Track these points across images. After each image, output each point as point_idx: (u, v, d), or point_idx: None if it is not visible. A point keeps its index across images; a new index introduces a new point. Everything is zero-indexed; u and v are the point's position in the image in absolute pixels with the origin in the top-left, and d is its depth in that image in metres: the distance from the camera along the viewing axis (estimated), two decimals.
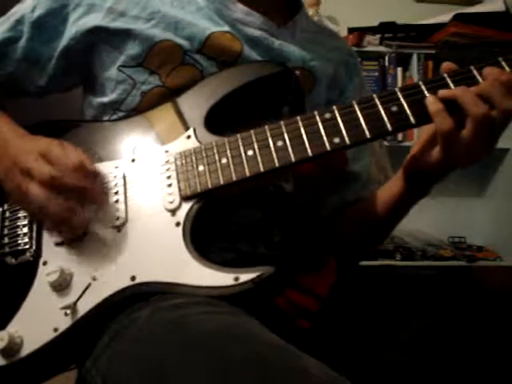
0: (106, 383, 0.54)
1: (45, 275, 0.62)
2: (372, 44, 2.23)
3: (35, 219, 0.66)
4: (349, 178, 0.86)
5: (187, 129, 0.69)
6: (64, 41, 0.77)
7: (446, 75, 0.61)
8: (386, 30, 2.26)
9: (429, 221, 2.34)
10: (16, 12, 0.80)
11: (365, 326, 0.66)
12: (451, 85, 0.60)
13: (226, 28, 0.76)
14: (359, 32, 2.21)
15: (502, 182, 2.36)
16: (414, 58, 2.24)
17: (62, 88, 0.84)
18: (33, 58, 0.78)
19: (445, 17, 2.21)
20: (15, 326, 0.61)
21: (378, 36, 2.25)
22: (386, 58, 2.24)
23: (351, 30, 2.25)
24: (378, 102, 0.61)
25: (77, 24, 0.76)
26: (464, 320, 0.60)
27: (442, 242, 2.34)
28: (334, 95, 0.84)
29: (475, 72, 0.60)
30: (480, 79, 0.60)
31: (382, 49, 2.25)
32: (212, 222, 0.67)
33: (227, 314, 0.53)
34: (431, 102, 0.59)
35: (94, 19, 0.75)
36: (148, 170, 0.67)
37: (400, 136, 2.22)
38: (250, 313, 0.55)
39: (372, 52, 2.24)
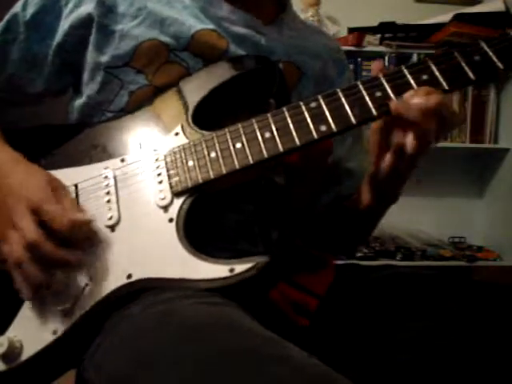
0: (99, 377, 0.55)
1: None
2: (372, 44, 2.23)
3: (7, 265, 0.62)
4: (343, 176, 0.86)
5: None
6: (58, 37, 0.76)
7: (430, 63, 0.62)
8: (386, 29, 2.26)
9: (429, 221, 2.34)
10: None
11: (364, 325, 0.66)
12: (435, 71, 0.62)
13: (212, 26, 0.76)
14: (359, 32, 2.21)
15: (502, 182, 2.36)
16: (414, 58, 2.24)
17: (59, 88, 0.82)
18: (30, 58, 0.78)
19: (445, 17, 2.21)
20: (14, 331, 0.61)
21: (378, 36, 2.25)
22: (386, 58, 2.24)
23: (351, 30, 2.25)
24: (362, 88, 0.62)
25: (69, 19, 0.76)
26: (464, 320, 0.60)
27: (442, 241, 2.34)
28: (324, 90, 0.84)
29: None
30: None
31: (382, 49, 2.24)
32: (206, 219, 0.67)
33: (215, 305, 0.54)
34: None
35: (86, 9, 0.74)
36: (138, 169, 0.67)
37: None
38: (247, 309, 0.55)
39: (372, 52, 2.24)
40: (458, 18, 2.16)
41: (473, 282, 0.67)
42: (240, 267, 0.57)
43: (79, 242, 0.62)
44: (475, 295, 0.63)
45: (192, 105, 0.70)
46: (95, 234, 0.64)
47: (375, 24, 2.26)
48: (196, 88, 0.72)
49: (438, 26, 2.21)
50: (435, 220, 2.36)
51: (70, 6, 0.76)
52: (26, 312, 0.63)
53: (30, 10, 0.77)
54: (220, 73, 0.72)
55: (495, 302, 0.61)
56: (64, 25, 0.76)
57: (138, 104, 0.73)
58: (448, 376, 0.57)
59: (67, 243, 0.61)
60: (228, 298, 0.56)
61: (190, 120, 0.69)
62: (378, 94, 0.61)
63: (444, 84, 0.62)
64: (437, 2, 2.44)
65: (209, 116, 0.70)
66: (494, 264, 2.23)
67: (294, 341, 0.49)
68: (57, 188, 0.64)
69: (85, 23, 0.75)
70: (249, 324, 0.51)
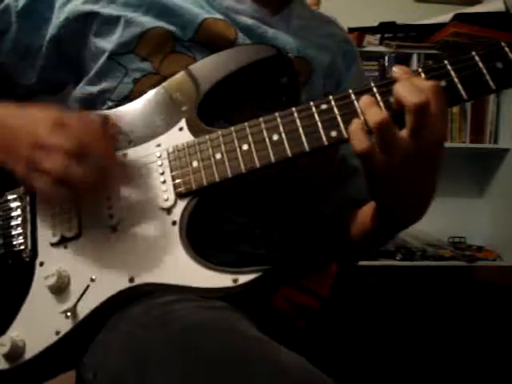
0: (96, 378, 0.55)
1: (43, 279, 0.62)
2: (372, 44, 2.23)
3: (52, 197, 0.60)
4: (351, 173, 0.83)
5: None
6: (53, 29, 0.74)
7: (446, 62, 0.57)
8: (386, 29, 2.26)
9: (429, 221, 2.32)
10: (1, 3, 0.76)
11: (363, 327, 0.65)
12: (452, 72, 0.57)
13: (219, 16, 0.74)
14: (359, 32, 2.21)
15: (502, 182, 2.36)
16: (414, 58, 2.24)
17: (53, 83, 0.80)
18: (23, 49, 0.76)
19: (445, 17, 2.21)
20: (16, 330, 0.61)
21: (378, 36, 2.25)
22: (386, 58, 2.24)
23: (351, 30, 2.24)
24: (376, 92, 0.58)
25: (64, 10, 0.74)
26: (464, 320, 0.60)
27: (442, 241, 2.34)
28: (331, 85, 0.82)
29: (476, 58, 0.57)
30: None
31: (382, 49, 2.25)
32: (209, 221, 0.66)
33: (214, 309, 0.54)
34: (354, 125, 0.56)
35: (83, 4, 0.73)
36: (140, 166, 0.65)
37: None
38: (249, 312, 0.55)
39: (372, 52, 2.24)
40: (458, 17, 2.16)
41: (473, 283, 0.66)
42: (244, 278, 0.56)
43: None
44: (475, 295, 0.63)
45: (198, 97, 0.67)
46: (97, 233, 0.63)
47: (375, 24, 2.26)
48: (202, 78, 0.68)
49: (438, 26, 2.21)
50: (435, 220, 2.35)
51: None
52: (28, 311, 0.62)
53: (22, 0, 0.75)
54: (228, 63, 0.69)
55: (495, 302, 0.61)
56: (59, 16, 0.74)
57: (143, 92, 0.70)
58: (448, 376, 0.57)
59: None
60: (230, 303, 0.56)
61: (195, 113, 0.66)
62: (392, 99, 0.57)
63: (464, 94, 0.57)
64: (437, 1, 2.44)
65: (214, 108, 0.68)
66: (493, 264, 2.23)
67: (294, 343, 0.49)
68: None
69: (82, 17, 0.73)
70: (242, 328, 0.50)
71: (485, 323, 0.59)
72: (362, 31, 2.22)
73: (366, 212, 0.72)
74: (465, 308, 0.61)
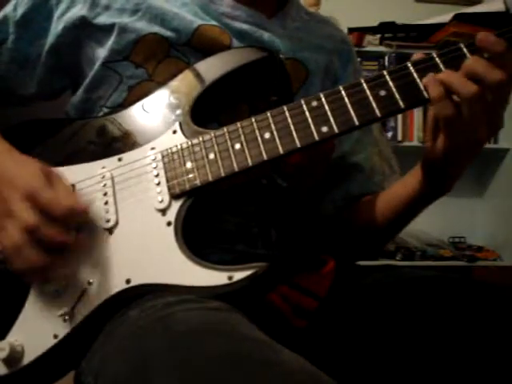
0: (97, 381, 0.54)
1: (41, 283, 0.62)
2: (372, 44, 2.24)
3: (5, 255, 0.61)
4: (351, 171, 0.84)
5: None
6: (51, 38, 0.75)
7: (434, 54, 0.59)
8: (386, 29, 2.26)
9: (429, 221, 2.32)
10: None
11: (362, 327, 0.65)
12: (440, 65, 0.58)
13: (214, 22, 0.74)
14: (359, 32, 2.21)
15: (502, 182, 2.36)
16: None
17: (52, 91, 0.82)
18: (21, 59, 0.77)
19: (445, 17, 2.21)
20: (15, 335, 0.61)
21: (378, 36, 2.25)
22: (386, 58, 2.24)
23: (351, 30, 2.25)
24: (365, 87, 0.59)
25: (62, 20, 0.75)
26: (464, 321, 0.60)
27: (442, 241, 2.34)
28: (328, 85, 0.82)
29: (465, 50, 0.58)
30: (468, 55, 0.58)
31: (382, 49, 2.25)
32: (206, 221, 0.66)
33: (214, 310, 0.53)
34: (431, 84, 0.57)
35: (79, 11, 0.74)
36: (135, 169, 0.66)
37: (400, 136, 2.22)
38: (246, 312, 0.55)
39: (372, 52, 2.24)
40: (458, 17, 2.16)
41: (473, 283, 0.66)
42: (239, 275, 0.56)
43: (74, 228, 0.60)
44: (475, 296, 0.62)
45: (191, 99, 0.68)
46: (93, 236, 0.63)
47: (375, 24, 2.26)
48: (195, 81, 0.69)
49: (438, 26, 2.21)
50: (435, 220, 2.35)
51: (63, 6, 0.75)
52: (26, 316, 0.62)
53: (20, 10, 0.76)
54: (219, 65, 0.70)
55: (495, 302, 0.61)
56: (57, 26, 0.75)
57: (137, 99, 0.71)
58: (448, 377, 0.57)
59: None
60: (226, 302, 0.56)
61: (188, 116, 0.67)
62: (383, 93, 0.59)
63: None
64: (437, 1, 2.44)
65: (207, 110, 0.69)
66: (493, 264, 2.23)
67: (292, 343, 0.48)
68: (50, 175, 0.62)
69: (79, 25, 0.74)
70: (244, 329, 0.50)
71: (485, 323, 0.59)
72: (362, 31, 2.22)
73: (395, 193, 0.74)
74: (464, 308, 0.61)
